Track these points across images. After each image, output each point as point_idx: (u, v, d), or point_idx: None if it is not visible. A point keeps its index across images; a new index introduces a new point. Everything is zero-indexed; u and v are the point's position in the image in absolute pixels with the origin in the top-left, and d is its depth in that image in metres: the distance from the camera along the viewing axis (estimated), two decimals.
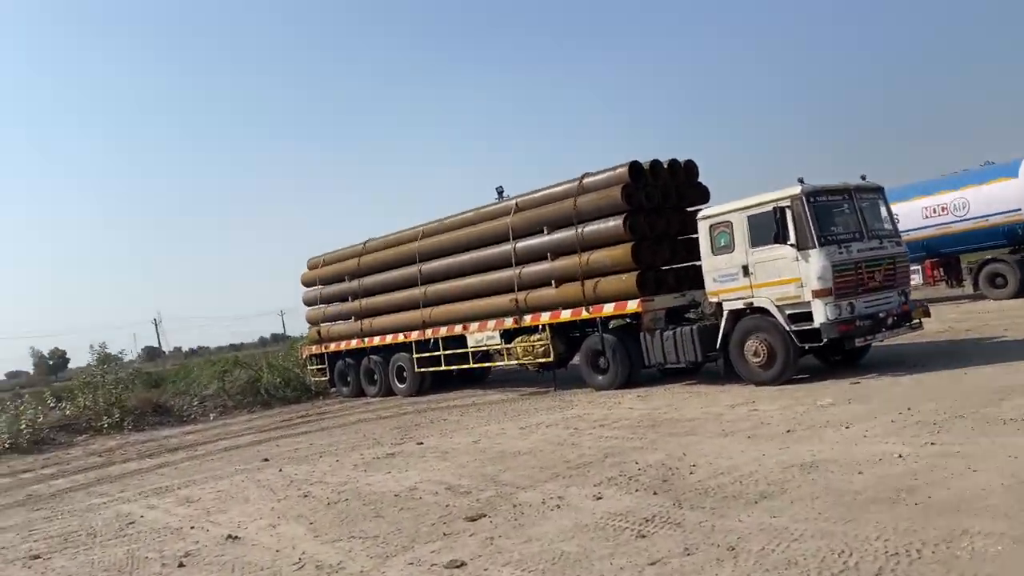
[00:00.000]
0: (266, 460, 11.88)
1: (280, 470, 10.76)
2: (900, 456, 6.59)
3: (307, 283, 22.59)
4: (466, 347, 17.17)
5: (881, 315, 11.47)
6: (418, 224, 19.02)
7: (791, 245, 11.42)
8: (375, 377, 19.94)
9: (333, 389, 21.88)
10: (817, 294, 11.22)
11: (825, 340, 11.27)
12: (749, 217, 12.01)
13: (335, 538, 6.79)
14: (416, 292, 18.44)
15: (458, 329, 17.29)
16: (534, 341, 15.57)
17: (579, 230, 14.60)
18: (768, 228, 11.64)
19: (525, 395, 15.82)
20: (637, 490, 6.85)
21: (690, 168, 14.92)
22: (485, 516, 6.71)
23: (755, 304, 11.99)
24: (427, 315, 18.13)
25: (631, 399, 12.82)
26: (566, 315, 14.92)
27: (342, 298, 21.28)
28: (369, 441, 12.44)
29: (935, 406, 8.54)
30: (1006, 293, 21.55)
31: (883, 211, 12.47)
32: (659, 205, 14.34)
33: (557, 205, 15.20)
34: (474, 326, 16.89)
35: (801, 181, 11.59)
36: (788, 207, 11.48)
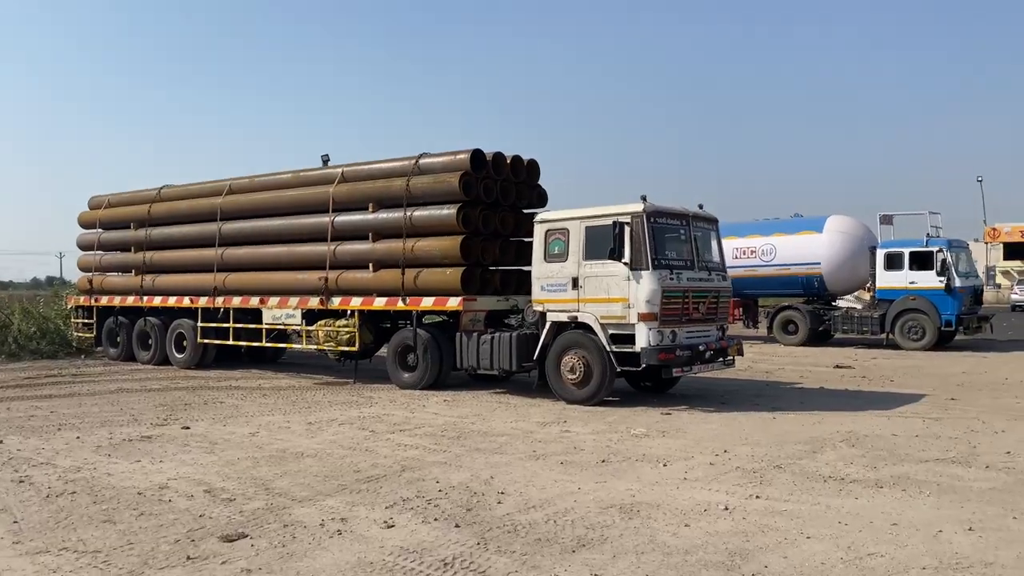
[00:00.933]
0: None
1: (0, 442, 8.73)
2: (726, 508, 6.03)
3: (85, 224, 19.67)
4: (261, 323, 15.43)
5: (700, 347, 11.24)
6: (227, 178, 16.98)
7: (624, 263, 10.93)
8: (150, 342, 17.59)
9: (99, 349, 19.18)
10: (643, 317, 10.79)
11: (643, 366, 10.86)
12: (587, 228, 11.41)
13: (39, 548, 5.20)
14: (211, 253, 16.41)
15: (254, 302, 15.51)
16: (339, 326, 14.18)
17: (408, 213, 13.42)
18: (604, 242, 11.08)
19: (320, 384, 14.38)
20: (436, 519, 5.81)
21: (532, 168, 14.20)
22: (246, 537, 5.40)
23: (579, 319, 11.40)
24: (221, 281, 16.16)
25: (437, 403, 11.82)
26: (380, 303, 13.68)
27: (124, 247, 18.68)
28: (125, 417, 10.54)
29: (751, 451, 8.22)
30: (796, 340, 22.83)
31: (715, 243, 12.34)
32: (496, 201, 13.48)
33: (387, 183, 13.93)
34: (273, 300, 15.19)
35: (644, 199, 11.14)
36: (628, 223, 10.99)
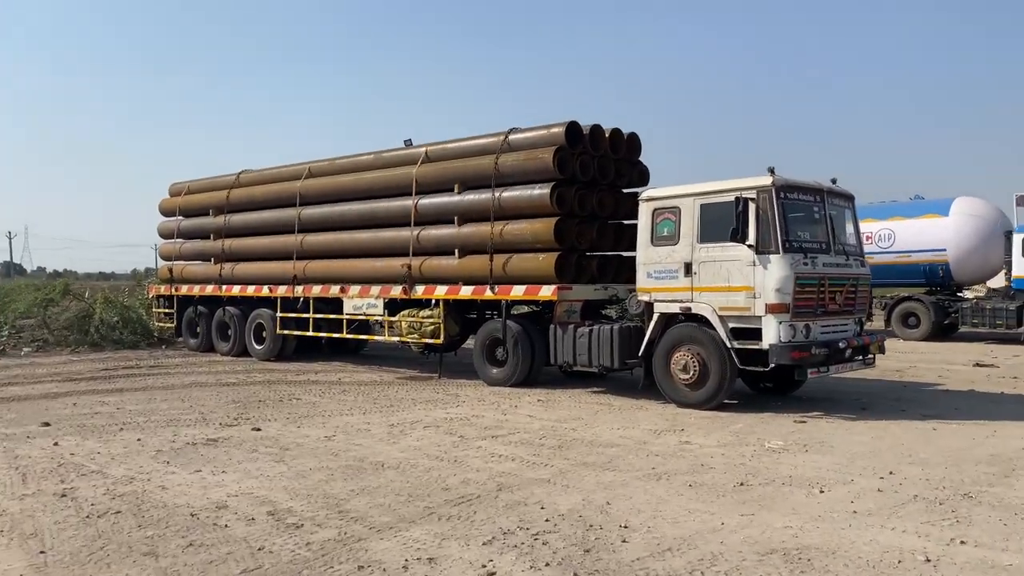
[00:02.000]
0: (46, 425, 8.97)
1: (55, 444, 7.93)
2: (928, 560, 4.58)
3: (166, 212, 19.25)
4: (341, 313, 14.53)
5: (841, 344, 9.65)
6: (307, 161, 16.13)
7: (749, 246, 9.44)
8: (229, 332, 16.97)
9: (180, 339, 18.72)
10: (772, 309, 9.28)
11: (772, 365, 9.36)
12: (703, 205, 9.96)
13: None
14: (291, 240, 15.61)
15: (334, 291, 14.61)
16: (423, 317, 13.11)
17: (497, 195, 12.22)
18: (724, 222, 9.61)
19: (403, 379, 13.36)
20: (548, 563, 4.57)
21: (633, 143, 12.79)
22: None
23: (693, 310, 9.97)
24: (300, 269, 15.34)
25: (530, 403, 10.59)
26: (466, 292, 12.54)
27: (203, 235, 18.13)
28: (194, 415, 9.70)
29: (923, 473, 6.68)
30: (917, 334, 20.69)
31: (851, 224, 10.69)
32: (593, 179, 12.14)
33: (474, 161, 12.76)
34: (354, 290, 14.25)
35: (772, 171, 9.61)
36: (753, 199, 9.49)
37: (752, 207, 9.48)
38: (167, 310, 18.70)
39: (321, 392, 11.70)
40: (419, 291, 13.14)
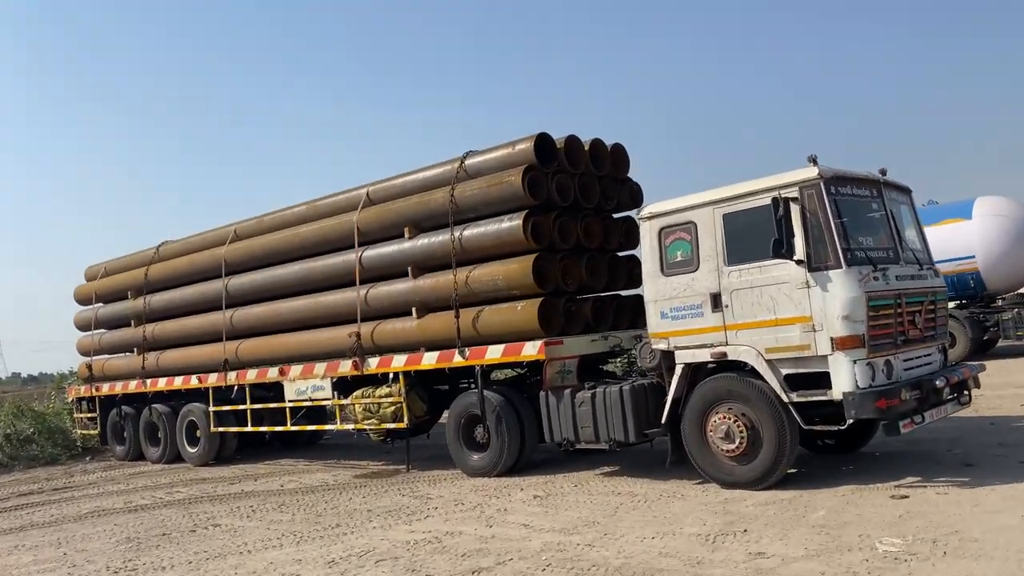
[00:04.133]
0: None
1: None
2: None
3: (81, 300, 16.55)
4: (284, 400, 11.83)
5: (937, 382, 7.13)
6: (234, 222, 13.61)
7: (798, 261, 6.99)
8: (159, 435, 14.16)
9: (106, 447, 15.83)
10: (841, 344, 6.77)
11: (851, 421, 6.81)
12: (727, 216, 7.51)
13: None
14: (219, 318, 12.96)
15: (273, 373, 11.93)
16: (380, 397, 10.46)
17: (457, 234, 9.74)
18: (758, 233, 7.18)
19: (363, 477, 10.62)
20: None
21: (619, 156, 10.40)
22: None
23: (730, 356, 7.45)
24: (232, 351, 12.67)
25: (524, 501, 7.92)
26: (430, 360, 9.95)
27: (124, 322, 15.41)
28: (63, 571, 6.94)
29: None
30: (956, 353, 18.23)
31: (914, 223, 8.29)
32: (575, 203, 9.70)
33: (426, 197, 10.30)
34: (295, 370, 11.60)
35: (815, 161, 7.21)
36: (796, 199, 7.07)
37: (796, 209, 7.05)
38: (90, 414, 15.87)
39: (251, 510, 8.94)
40: (373, 364, 10.52)
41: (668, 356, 7.94)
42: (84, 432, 16.15)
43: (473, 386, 9.72)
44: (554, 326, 9.20)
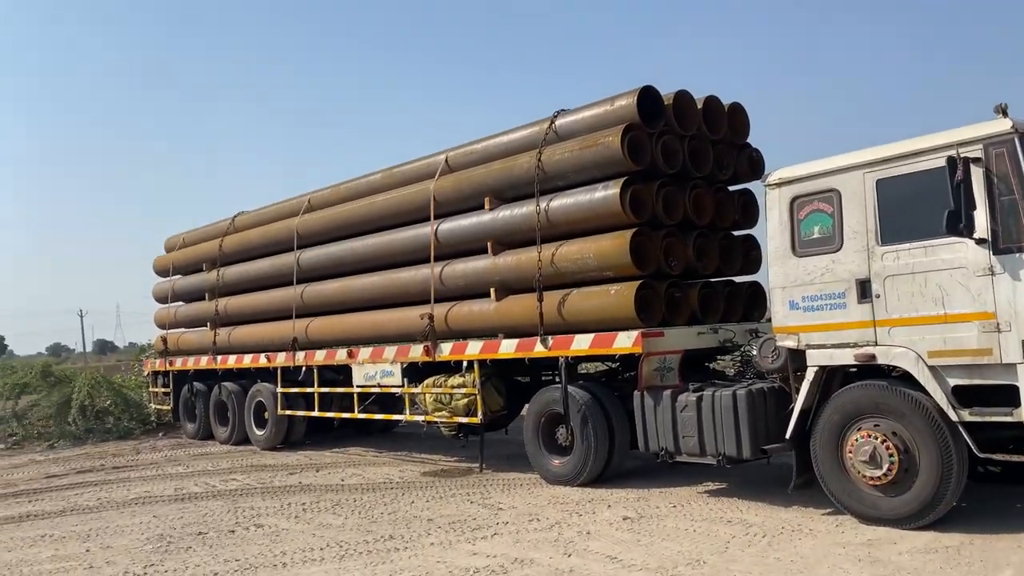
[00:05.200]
0: None
1: None
2: None
3: (160, 271, 16.14)
4: (352, 384, 10.87)
5: None
6: (311, 191, 12.72)
7: (979, 240, 5.39)
8: (228, 414, 13.48)
9: (179, 424, 15.35)
10: None
11: None
12: (882, 182, 5.95)
13: None
14: (289, 293, 12.12)
15: (341, 355, 10.98)
16: (452, 387, 9.32)
17: (543, 205, 8.45)
18: (924, 205, 5.62)
19: (431, 475, 9.51)
20: None
21: (737, 117, 8.87)
22: None
23: (880, 359, 5.91)
24: (301, 329, 11.81)
25: (611, 524, 6.59)
26: (508, 348, 8.73)
27: (198, 295, 14.84)
28: (79, 571, 6.09)
29: None
30: None
31: None
32: (684, 171, 8.25)
33: (509, 163, 9.05)
34: (364, 353, 10.60)
35: (1004, 111, 5.55)
36: (980, 159, 5.45)
37: (978, 173, 5.44)
38: (164, 389, 15.43)
39: (302, 508, 7.94)
40: (445, 350, 9.38)
41: (797, 356, 6.44)
42: (158, 407, 15.73)
43: (556, 380, 8.44)
44: (654, 314, 7.81)
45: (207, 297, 14.32)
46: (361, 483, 9.17)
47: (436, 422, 9.71)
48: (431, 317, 9.51)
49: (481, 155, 9.59)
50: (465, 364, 9.23)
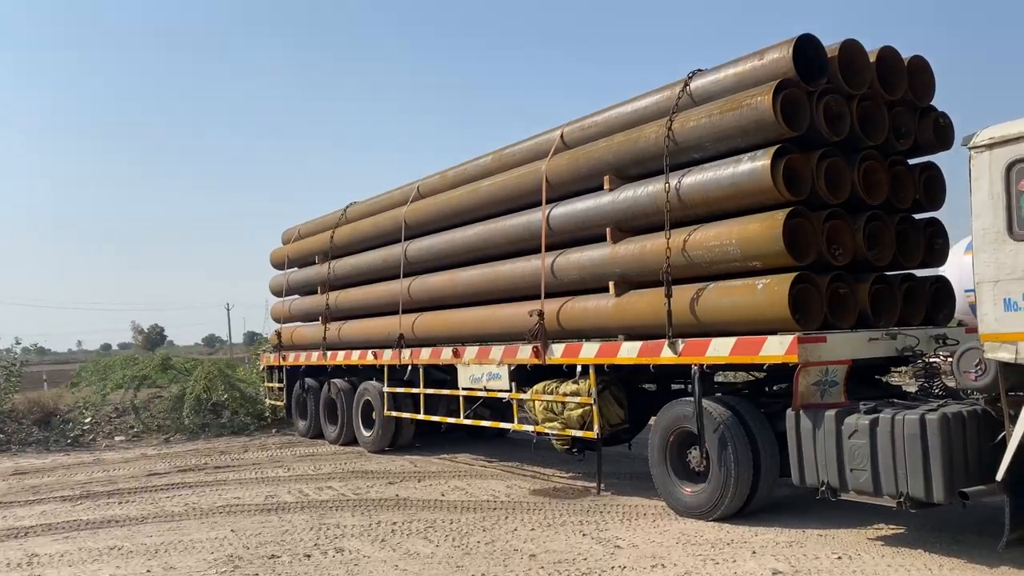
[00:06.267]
0: None
1: None
2: None
3: (276, 264, 15.82)
4: (457, 387, 9.89)
5: None
6: (424, 177, 11.86)
7: None
8: (337, 413, 12.86)
9: (292, 421, 14.94)
10: None
11: None
12: None
13: None
14: (396, 287, 11.30)
15: (447, 355, 10.03)
16: (565, 395, 8.13)
17: (674, 182, 7.11)
18: None
19: (541, 494, 8.36)
20: None
21: (920, 73, 7.17)
22: None
23: None
24: (408, 325, 10.95)
25: (758, 573, 5.21)
26: (629, 353, 7.44)
27: (311, 288, 14.37)
28: None
29: None
30: None
31: None
32: (852, 139, 6.68)
33: (633, 134, 7.75)
34: (470, 352, 9.59)
35: None
36: None
37: None
38: (279, 384, 15.08)
39: (392, 530, 6.98)
40: (556, 353, 8.21)
41: (1014, 372, 4.83)
42: (273, 403, 15.42)
43: (688, 390, 7.08)
44: (812, 315, 6.31)
45: (319, 291, 13.80)
46: (462, 500, 8.13)
47: (547, 434, 8.54)
48: (541, 314, 8.35)
49: (602, 128, 8.33)
50: (579, 369, 8.01)
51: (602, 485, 8.24)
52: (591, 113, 8.65)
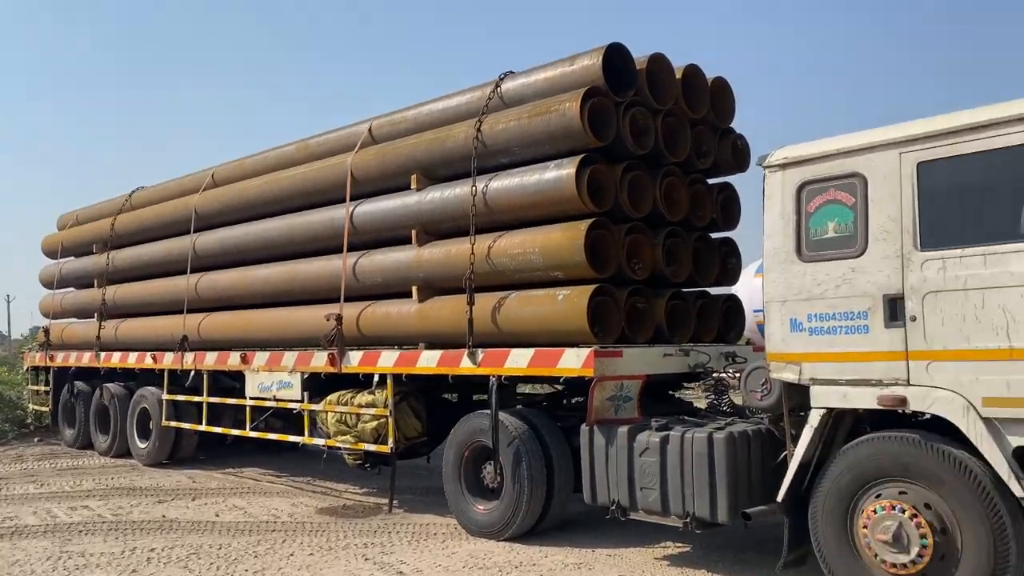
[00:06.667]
0: None
1: None
2: None
3: (48, 252, 14.03)
4: (245, 396, 9.06)
5: None
6: (217, 164, 10.86)
7: None
8: (109, 421, 11.49)
9: (58, 428, 13.25)
10: None
11: None
12: (925, 166, 4.43)
13: None
14: (182, 284, 10.25)
15: (234, 360, 9.15)
16: (359, 406, 7.59)
17: (481, 186, 6.80)
18: (988, 197, 4.13)
19: (328, 512, 7.74)
20: None
21: (721, 94, 7.32)
22: None
23: (913, 404, 4.38)
24: (193, 326, 9.94)
25: None
26: (428, 362, 7.04)
27: (87, 281, 12.84)
28: None
29: None
30: None
31: None
32: (656, 154, 6.67)
33: (443, 133, 7.38)
34: (260, 358, 8.81)
35: None
36: None
37: None
38: (45, 388, 13.35)
39: (148, 558, 6.12)
40: (354, 360, 7.65)
41: (797, 392, 4.88)
42: (37, 408, 13.65)
43: (487, 406, 6.76)
44: (610, 329, 6.20)
45: (95, 284, 12.33)
46: (238, 521, 7.35)
47: (338, 448, 7.95)
48: (339, 318, 7.77)
49: (412, 124, 7.90)
50: (377, 378, 7.50)
51: (395, 502, 7.76)
52: (403, 108, 8.19)
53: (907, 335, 4.38)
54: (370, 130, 8.28)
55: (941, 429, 4.32)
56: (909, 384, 4.37)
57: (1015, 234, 3.93)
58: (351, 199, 8.03)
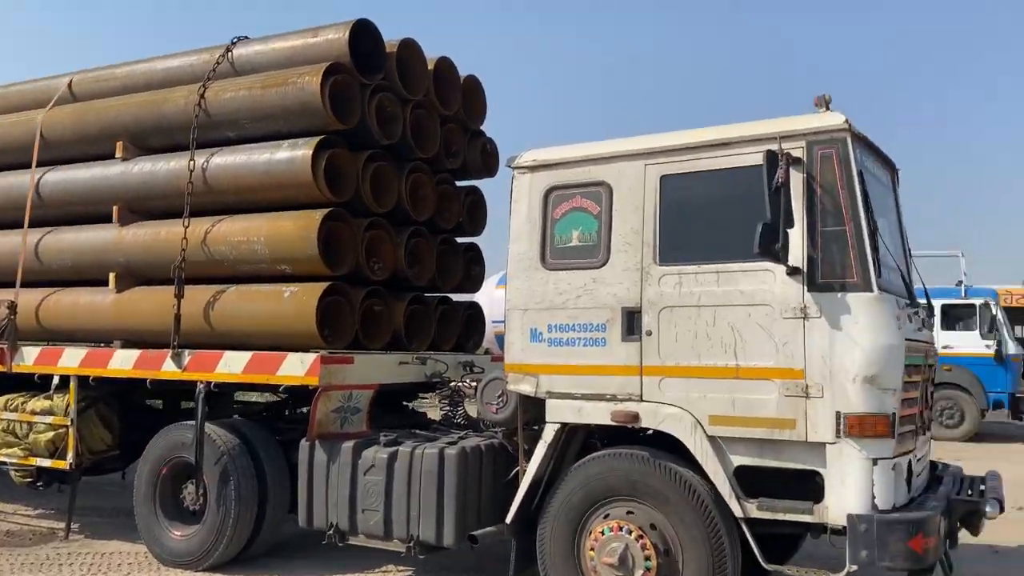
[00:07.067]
0: None
1: None
2: None
3: None
4: None
5: (988, 509, 4.31)
6: None
7: (791, 270, 3.94)
8: None
9: None
10: (856, 426, 3.79)
11: (852, 569, 3.82)
12: (668, 179, 4.37)
13: None
14: None
15: None
16: (32, 413, 6.30)
17: (201, 161, 5.89)
18: (724, 214, 4.16)
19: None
20: None
21: (474, 93, 7.02)
22: None
23: (644, 420, 4.28)
24: None
25: None
26: (123, 363, 5.99)
27: None
28: None
29: None
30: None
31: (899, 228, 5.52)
32: (403, 146, 6.19)
33: (159, 96, 6.36)
34: None
35: (827, 104, 4.20)
36: (800, 160, 4.04)
37: (798, 180, 4.02)
38: None
39: None
40: (29, 358, 6.34)
41: (533, 406, 4.63)
42: None
43: (193, 415, 5.84)
44: (342, 333, 5.60)
45: None
46: None
47: (3, 463, 6.55)
48: (13, 306, 6.41)
49: (123, 83, 6.75)
50: (57, 380, 6.26)
51: (74, 527, 6.52)
52: (113, 64, 6.99)
53: (642, 350, 4.28)
54: (70, 85, 6.97)
55: (671, 447, 4.25)
56: (642, 400, 4.27)
57: (745, 253, 3.94)
58: (39, 164, 6.69)
